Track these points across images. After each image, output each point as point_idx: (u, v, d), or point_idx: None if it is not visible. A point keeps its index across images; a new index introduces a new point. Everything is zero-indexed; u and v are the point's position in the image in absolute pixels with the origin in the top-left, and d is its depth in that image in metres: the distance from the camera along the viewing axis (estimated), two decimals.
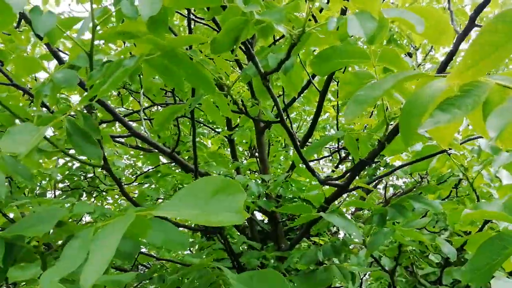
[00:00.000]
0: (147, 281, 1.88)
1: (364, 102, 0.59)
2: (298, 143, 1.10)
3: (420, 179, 1.91)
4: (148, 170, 2.77)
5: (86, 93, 0.69)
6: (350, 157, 2.48)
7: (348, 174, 1.14)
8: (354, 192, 2.01)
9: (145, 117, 1.98)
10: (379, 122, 1.01)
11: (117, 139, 2.40)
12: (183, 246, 0.77)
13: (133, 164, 3.23)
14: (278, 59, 0.89)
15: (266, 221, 2.76)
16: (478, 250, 0.71)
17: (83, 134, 0.69)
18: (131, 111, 2.22)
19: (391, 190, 3.16)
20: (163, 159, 2.52)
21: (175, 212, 0.50)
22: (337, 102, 2.31)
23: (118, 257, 0.72)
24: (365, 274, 2.65)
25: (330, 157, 3.63)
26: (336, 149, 2.46)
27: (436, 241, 1.30)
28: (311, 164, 1.67)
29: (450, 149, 1.31)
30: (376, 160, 1.19)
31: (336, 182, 1.34)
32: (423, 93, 0.53)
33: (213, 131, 2.74)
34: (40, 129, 0.60)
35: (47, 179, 2.80)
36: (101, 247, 0.51)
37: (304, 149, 1.34)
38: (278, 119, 1.04)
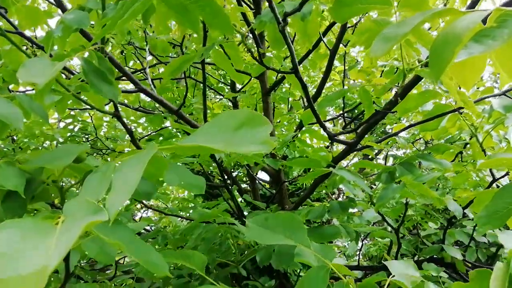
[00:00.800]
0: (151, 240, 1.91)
1: (392, 39, 0.57)
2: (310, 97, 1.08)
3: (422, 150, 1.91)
4: (150, 133, 2.77)
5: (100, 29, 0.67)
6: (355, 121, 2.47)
7: (361, 127, 1.13)
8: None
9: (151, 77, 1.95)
10: (396, 74, 0.99)
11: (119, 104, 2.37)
12: (200, 189, 0.77)
13: (134, 130, 3.21)
14: (295, 5, 0.86)
15: (267, 189, 2.78)
16: (496, 196, 0.71)
17: (98, 73, 0.68)
18: (135, 69, 2.18)
19: (391, 160, 3.18)
20: (167, 123, 2.50)
21: (201, 142, 0.49)
22: (344, 68, 2.28)
23: (137, 196, 0.71)
24: (365, 237, 2.70)
25: (333, 124, 3.63)
26: (340, 115, 2.45)
27: (442, 198, 1.31)
28: (314, 128, 1.67)
29: (461, 108, 1.30)
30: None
31: (345, 140, 1.34)
32: (456, 26, 0.51)
33: (218, 95, 2.71)
34: (57, 63, 0.58)
35: (49, 142, 2.80)
36: (125, 177, 0.50)
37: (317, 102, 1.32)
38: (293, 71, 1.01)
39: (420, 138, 2.69)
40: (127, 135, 3.22)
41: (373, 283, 0.75)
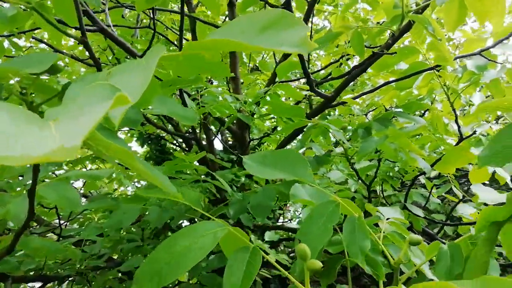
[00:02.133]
0: None
1: None
2: None
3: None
4: None
5: None
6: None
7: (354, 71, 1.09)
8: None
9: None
10: (393, 17, 0.95)
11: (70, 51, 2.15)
12: (192, 120, 0.69)
13: None
14: None
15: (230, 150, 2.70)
16: (499, 135, 0.71)
17: None
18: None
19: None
20: None
21: (226, 37, 0.41)
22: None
23: (124, 123, 0.62)
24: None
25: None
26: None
27: (412, 157, 1.34)
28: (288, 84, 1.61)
29: (438, 66, 1.31)
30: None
31: (324, 93, 1.30)
32: None
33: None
34: None
35: None
36: (127, 81, 0.41)
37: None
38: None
39: (375, 108, 2.74)
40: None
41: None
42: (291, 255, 3.00)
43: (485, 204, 1.15)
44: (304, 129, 1.34)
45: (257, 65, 2.61)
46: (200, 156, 1.03)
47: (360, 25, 0.99)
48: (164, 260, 0.49)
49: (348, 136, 1.51)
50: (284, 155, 0.67)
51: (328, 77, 1.33)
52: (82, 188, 2.82)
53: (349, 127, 1.78)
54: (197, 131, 1.64)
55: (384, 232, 0.71)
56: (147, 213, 1.81)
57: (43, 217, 2.20)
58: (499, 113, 1.58)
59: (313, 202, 0.68)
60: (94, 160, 2.77)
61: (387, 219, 0.76)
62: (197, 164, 1.32)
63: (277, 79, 1.51)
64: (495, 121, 1.86)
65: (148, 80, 0.36)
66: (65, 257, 1.91)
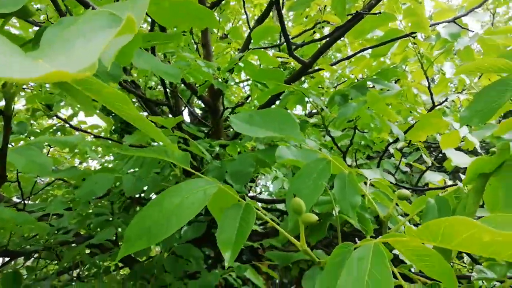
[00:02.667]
0: None
1: None
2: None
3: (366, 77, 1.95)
4: None
5: None
6: None
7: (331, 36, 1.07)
8: None
9: None
10: None
11: None
12: (176, 77, 0.65)
13: None
14: None
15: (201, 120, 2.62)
16: (479, 95, 0.72)
17: None
18: None
19: None
20: None
21: None
22: None
23: (103, 78, 0.57)
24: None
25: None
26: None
27: (387, 123, 1.36)
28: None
29: (414, 33, 1.32)
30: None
31: (302, 58, 1.28)
32: None
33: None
34: None
35: None
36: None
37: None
38: None
39: (345, 80, 2.76)
40: None
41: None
42: (261, 227, 3.04)
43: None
44: (281, 97, 1.32)
45: (225, 33, 2.54)
46: (178, 120, 0.99)
47: None
48: (154, 218, 0.46)
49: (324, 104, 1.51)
50: (272, 114, 0.65)
51: (309, 42, 1.31)
52: None
53: (323, 98, 1.78)
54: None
55: (368, 192, 0.71)
56: (118, 184, 1.75)
57: (3, 193, 2.09)
58: (467, 81, 1.63)
59: (301, 161, 0.67)
60: (55, 133, 2.64)
61: (371, 179, 0.77)
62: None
63: (251, 46, 1.48)
64: (462, 91, 1.92)
65: (143, 13, 0.32)
66: (31, 233, 1.84)
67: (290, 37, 2.35)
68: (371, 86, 1.44)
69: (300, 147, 0.64)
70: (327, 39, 1.28)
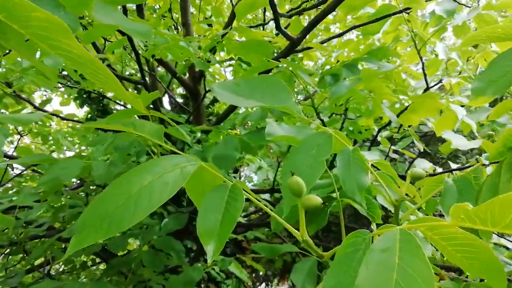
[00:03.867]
0: None
1: None
2: None
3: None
4: None
5: None
6: None
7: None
8: None
9: None
10: None
11: None
12: (147, 36, 0.54)
13: None
14: None
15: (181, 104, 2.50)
16: (494, 63, 0.64)
17: None
18: None
19: None
20: None
21: None
22: None
23: None
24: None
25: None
26: None
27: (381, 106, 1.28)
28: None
29: (407, 9, 1.24)
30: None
31: (290, 34, 1.18)
32: None
33: None
34: None
35: None
36: None
37: None
38: None
39: (330, 67, 2.68)
40: None
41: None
42: (245, 218, 2.96)
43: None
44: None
45: (206, 17, 2.42)
46: (154, 96, 0.88)
47: None
48: (117, 202, 0.36)
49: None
50: (262, 82, 0.56)
51: (297, 11, 1.21)
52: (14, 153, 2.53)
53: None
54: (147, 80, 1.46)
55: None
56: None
57: None
58: (460, 64, 1.56)
59: (296, 137, 0.58)
60: None
61: (372, 160, 0.69)
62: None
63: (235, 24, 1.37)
64: (454, 75, 1.86)
65: None
66: None
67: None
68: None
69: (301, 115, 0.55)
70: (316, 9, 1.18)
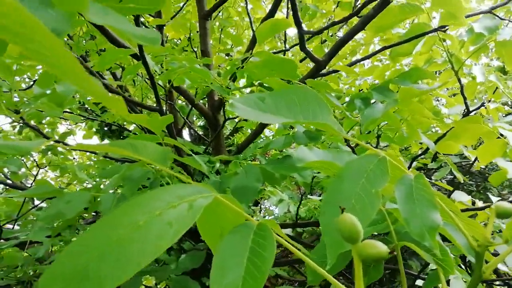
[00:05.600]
0: None
1: None
2: None
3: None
4: None
5: None
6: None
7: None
8: None
9: None
10: None
11: None
12: (154, 41, 0.46)
13: None
14: None
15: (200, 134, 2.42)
16: None
17: None
18: None
19: None
20: None
21: None
22: None
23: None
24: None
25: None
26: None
27: (418, 132, 1.16)
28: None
29: (445, 27, 1.14)
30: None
31: (315, 56, 1.10)
32: None
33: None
34: None
35: None
36: None
37: None
38: None
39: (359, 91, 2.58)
40: None
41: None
42: None
43: None
44: None
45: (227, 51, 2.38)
46: (168, 121, 0.79)
47: None
48: (96, 251, 0.26)
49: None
50: (292, 94, 0.45)
51: (324, 28, 1.12)
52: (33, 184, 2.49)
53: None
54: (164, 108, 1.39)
55: None
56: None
57: None
58: (501, 87, 1.43)
59: (334, 163, 0.47)
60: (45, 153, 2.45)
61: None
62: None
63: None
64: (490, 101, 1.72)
65: None
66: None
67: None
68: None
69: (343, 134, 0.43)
70: (342, 25, 1.10)
